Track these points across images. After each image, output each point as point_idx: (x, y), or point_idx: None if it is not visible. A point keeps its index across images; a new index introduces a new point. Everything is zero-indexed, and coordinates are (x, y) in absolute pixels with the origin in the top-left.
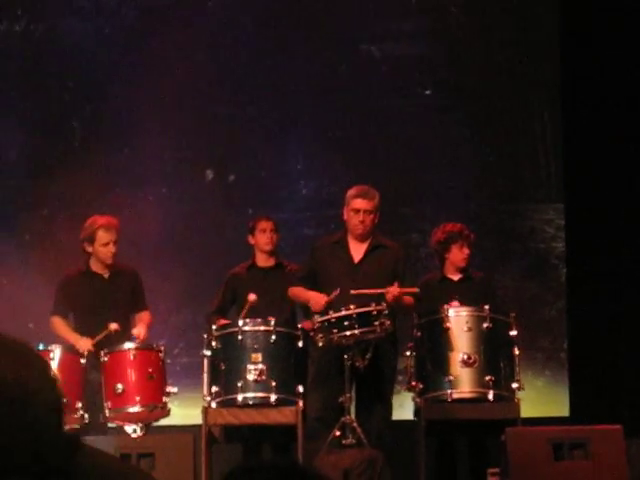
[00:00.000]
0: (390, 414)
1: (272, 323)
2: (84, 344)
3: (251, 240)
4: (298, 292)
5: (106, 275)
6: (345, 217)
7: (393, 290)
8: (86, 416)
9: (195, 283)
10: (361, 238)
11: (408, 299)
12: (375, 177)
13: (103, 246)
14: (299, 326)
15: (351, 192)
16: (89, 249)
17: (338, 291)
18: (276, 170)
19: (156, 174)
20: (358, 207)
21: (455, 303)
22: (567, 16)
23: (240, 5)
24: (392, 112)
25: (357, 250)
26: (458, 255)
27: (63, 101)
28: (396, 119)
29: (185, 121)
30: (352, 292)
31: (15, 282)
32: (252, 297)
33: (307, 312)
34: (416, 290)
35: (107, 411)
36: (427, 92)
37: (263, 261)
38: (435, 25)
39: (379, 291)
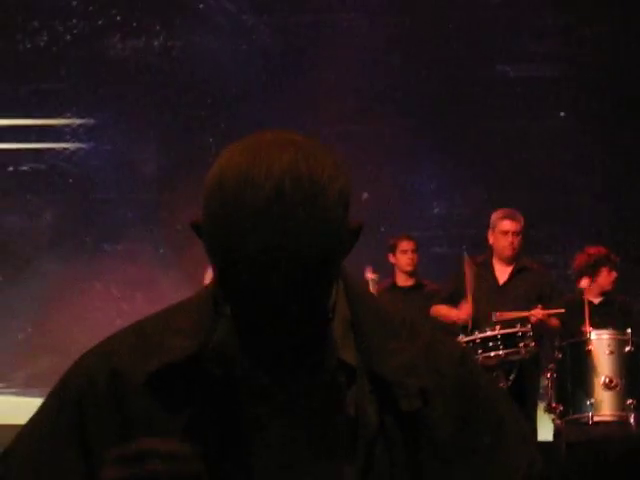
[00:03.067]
0: (535, 435)
1: None
2: None
3: (392, 259)
4: (442, 311)
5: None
6: (491, 240)
7: (537, 313)
8: None
9: None
10: (509, 260)
11: (554, 321)
12: (506, 198)
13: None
14: None
15: (498, 215)
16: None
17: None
18: (408, 189)
19: None
20: (507, 229)
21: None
22: None
23: (370, 24)
24: (525, 133)
25: (502, 272)
26: (607, 278)
27: (199, 117)
28: (529, 141)
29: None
30: (496, 316)
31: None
32: (369, 274)
33: (450, 331)
34: (562, 310)
35: None
36: (562, 114)
37: (404, 281)
38: (572, 48)
39: (523, 314)
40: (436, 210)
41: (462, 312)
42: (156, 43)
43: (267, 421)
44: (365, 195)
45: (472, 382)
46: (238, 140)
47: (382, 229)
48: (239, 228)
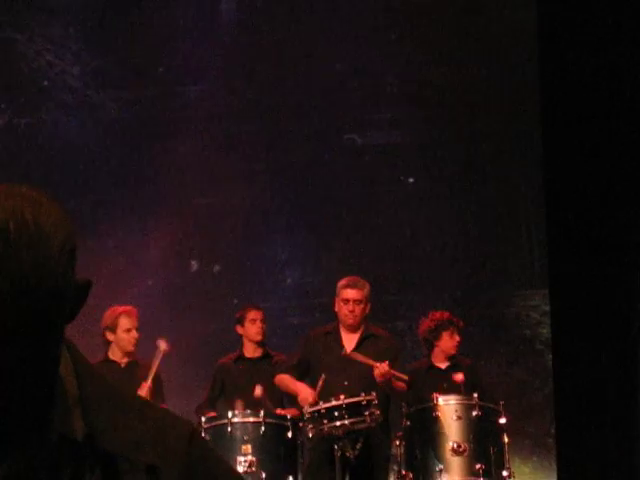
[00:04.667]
0: None
1: (261, 414)
2: None
3: (240, 330)
4: (286, 381)
5: (123, 364)
6: (336, 308)
7: (382, 366)
8: None
9: (184, 375)
10: (351, 328)
11: (400, 385)
12: (359, 265)
13: (125, 332)
14: (288, 416)
15: (341, 283)
16: (110, 337)
17: (323, 377)
18: (260, 260)
19: (141, 266)
20: (348, 297)
21: (459, 376)
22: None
23: (223, 98)
24: (376, 200)
25: (349, 340)
26: (449, 342)
27: (48, 193)
28: (380, 208)
29: (168, 213)
30: (345, 354)
31: None
32: (258, 391)
33: (294, 400)
34: (406, 378)
35: None
36: (410, 180)
37: (251, 352)
38: (417, 113)
39: (370, 362)
40: (289, 280)
41: (304, 400)
42: (1, 121)
43: None
44: (217, 267)
45: (202, 460)
46: None
47: (235, 301)
48: None
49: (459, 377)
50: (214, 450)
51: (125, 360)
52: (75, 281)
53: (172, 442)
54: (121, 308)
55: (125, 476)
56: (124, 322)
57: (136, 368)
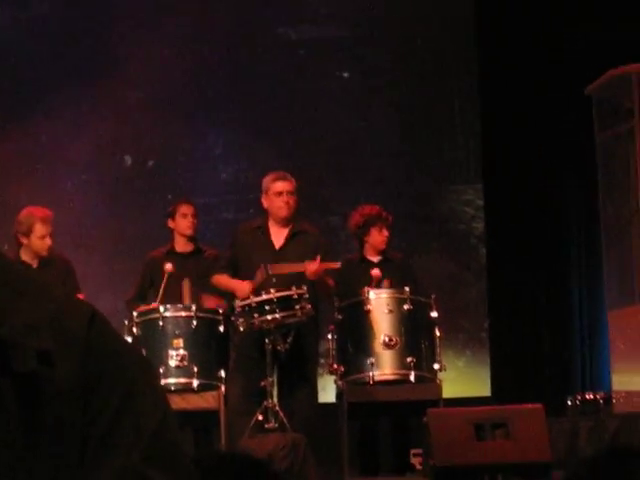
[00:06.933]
0: (315, 397)
1: (193, 308)
2: None
3: (171, 224)
4: (222, 281)
5: (35, 264)
6: (265, 204)
7: (312, 265)
8: None
9: (115, 269)
10: (285, 221)
11: (329, 280)
12: (294, 160)
13: (39, 239)
14: (219, 310)
15: (270, 177)
16: (24, 241)
17: (262, 268)
18: (195, 155)
19: (75, 161)
20: (280, 189)
21: (386, 283)
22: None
23: None
24: (311, 95)
25: (278, 236)
26: (377, 237)
27: None
28: (315, 102)
29: (101, 107)
30: (270, 269)
31: None
32: (168, 267)
33: (231, 298)
34: (337, 264)
35: None
36: (345, 75)
37: (182, 246)
38: (355, 6)
39: (298, 266)
40: (223, 175)
41: (242, 292)
42: None
43: None
44: (151, 162)
45: (102, 344)
46: None
47: (169, 196)
48: None
49: (375, 272)
50: (116, 334)
51: (36, 261)
52: None
53: (70, 326)
54: (38, 213)
55: (16, 363)
56: (38, 228)
57: (48, 267)
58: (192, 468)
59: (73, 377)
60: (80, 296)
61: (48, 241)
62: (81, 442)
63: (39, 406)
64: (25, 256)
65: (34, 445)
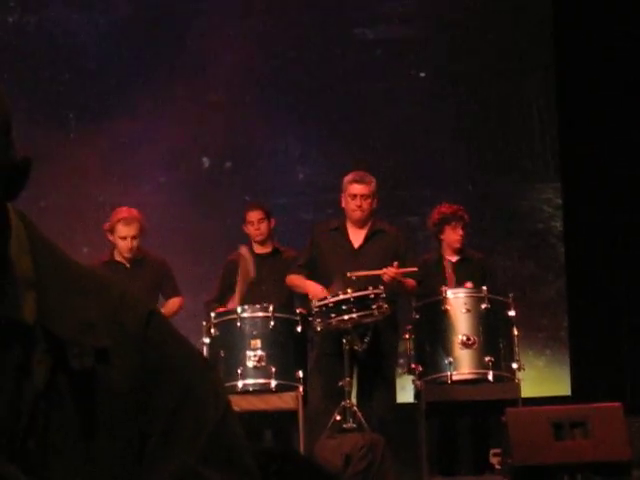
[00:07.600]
0: (393, 397)
1: (270, 309)
2: None
3: (245, 229)
4: (297, 281)
5: (127, 265)
6: (343, 204)
7: (389, 271)
8: None
9: (194, 271)
10: (359, 223)
11: (409, 282)
12: (372, 161)
13: (121, 239)
14: (297, 311)
15: (348, 178)
16: (111, 239)
17: (339, 279)
18: (272, 156)
19: (153, 163)
20: (355, 192)
21: (468, 284)
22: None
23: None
24: (388, 95)
25: (356, 236)
26: (452, 236)
27: (58, 92)
28: (392, 102)
29: (180, 109)
30: (348, 274)
31: None
32: (243, 250)
33: (304, 298)
34: (416, 269)
35: None
36: (422, 75)
37: (259, 249)
38: (433, 6)
39: (376, 272)
40: (301, 176)
41: (315, 297)
42: (10, 19)
43: None
44: (228, 164)
45: (159, 343)
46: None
47: (247, 198)
48: None
49: (468, 285)
50: (175, 333)
51: (128, 262)
52: (12, 159)
53: (127, 323)
54: (122, 213)
55: (73, 360)
56: (120, 229)
57: (140, 267)
58: (253, 468)
59: (130, 375)
60: (178, 299)
61: (129, 243)
62: (139, 440)
63: (96, 403)
64: (118, 256)
65: (91, 442)
